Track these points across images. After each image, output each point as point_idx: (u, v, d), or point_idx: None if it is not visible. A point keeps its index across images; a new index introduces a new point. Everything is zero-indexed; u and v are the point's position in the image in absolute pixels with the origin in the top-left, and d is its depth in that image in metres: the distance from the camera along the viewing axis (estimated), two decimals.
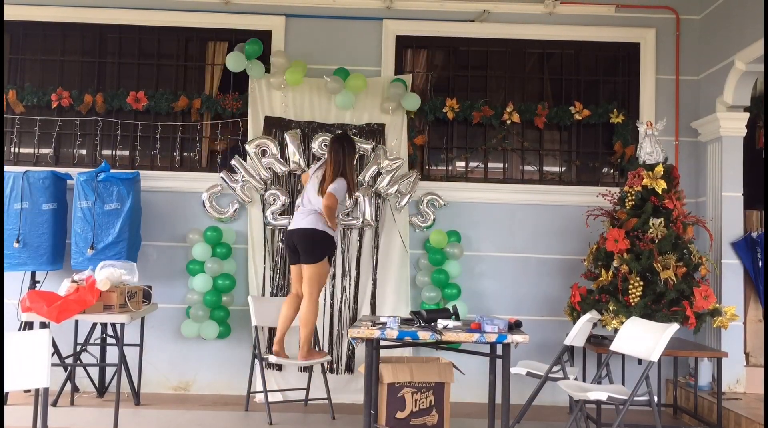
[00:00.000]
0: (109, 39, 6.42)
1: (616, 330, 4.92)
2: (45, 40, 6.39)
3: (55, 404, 5.34)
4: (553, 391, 5.51)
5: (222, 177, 6.05)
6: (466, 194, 6.23)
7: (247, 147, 6.01)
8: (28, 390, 5.31)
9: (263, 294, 5.96)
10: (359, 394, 5.24)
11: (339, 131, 5.87)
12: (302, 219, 5.20)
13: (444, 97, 6.27)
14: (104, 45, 6.42)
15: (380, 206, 6.08)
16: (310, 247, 5.15)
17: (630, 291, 5.04)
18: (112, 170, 5.79)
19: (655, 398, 4.34)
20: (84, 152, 6.30)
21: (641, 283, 5.04)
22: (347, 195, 5.41)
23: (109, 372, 5.79)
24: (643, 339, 4.22)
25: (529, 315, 5.96)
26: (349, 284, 6.03)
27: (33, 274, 5.76)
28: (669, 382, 5.90)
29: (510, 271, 6.19)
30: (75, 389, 5.67)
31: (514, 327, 4.16)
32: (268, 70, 6.16)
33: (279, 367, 5.87)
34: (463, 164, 6.41)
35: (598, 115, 6.30)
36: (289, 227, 5.31)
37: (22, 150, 6.28)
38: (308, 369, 5.73)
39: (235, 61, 6.01)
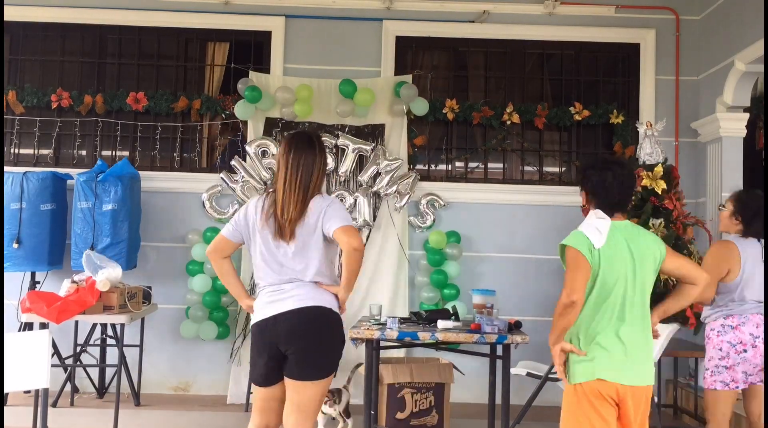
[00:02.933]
0: (108, 40, 6.42)
1: None
2: (45, 41, 6.39)
3: (55, 405, 5.34)
4: (553, 392, 5.49)
5: (222, 178, 6.05)
6: (466, 194, 6.23)
7: (247, 148, 6.01)
8: (28, 391, 5.30)
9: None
10: (359, 395, 5.23)
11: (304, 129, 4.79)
12: (294, 296, 2.95)
13: (444, 97, 6.27)
14: (104, 46, 6.42)
15: (378, 206, 6.08)
16: (323, 346, 2.96)
17: None
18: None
19: (656, 398, 4.35)
20: (84, 152, 6.29)
21: None
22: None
23: (109, 372, 5.78)
24: None
25: (529, 316, 5.94)
26: None
27: (33, 275, 5.76)
28: (669, 382, 5.89)
29: (510, 272, 6.19)
30: (75, 390, 5.67)
31: (514, 327, 4.16)
32: (267, 71, 6.19)
33: None
34: (462, 164, 6.41)
35: (597, 115, 6.30)
36: (266, 313, 2.98)
37: (22, 151, 6.28)
38: None
39: (243, 110, 6.00)
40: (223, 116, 6.20)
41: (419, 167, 6.26)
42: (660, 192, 5.20)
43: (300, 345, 2.92)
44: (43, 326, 4.58)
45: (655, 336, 2.92)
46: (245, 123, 6.15)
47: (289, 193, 2.96)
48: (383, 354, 5.04)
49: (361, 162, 6.07)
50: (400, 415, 4.67)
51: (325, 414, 4.58)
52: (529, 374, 4.83)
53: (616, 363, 2.72)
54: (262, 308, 3.00)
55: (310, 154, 3.01)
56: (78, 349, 5.66)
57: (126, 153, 6.30)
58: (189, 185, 6.16)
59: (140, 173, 5.95)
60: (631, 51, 6.39)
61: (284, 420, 3.02)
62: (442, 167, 6.41)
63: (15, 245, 5.55)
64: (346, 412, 4.66)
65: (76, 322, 5.52)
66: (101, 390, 5.76)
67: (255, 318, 3.04)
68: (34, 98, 6.18)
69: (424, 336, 4.08)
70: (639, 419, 2.76)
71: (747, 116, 5.85)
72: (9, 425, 4.78)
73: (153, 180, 6.09)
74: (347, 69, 6.18)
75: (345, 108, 6.02)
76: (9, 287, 5.66)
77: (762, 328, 3.60)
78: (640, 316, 2.79)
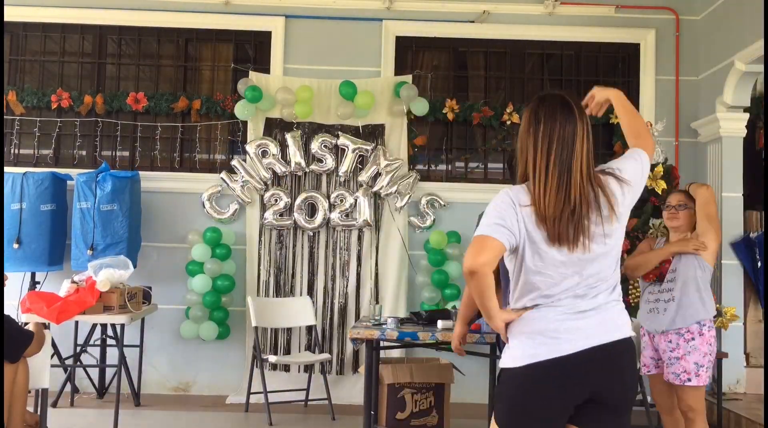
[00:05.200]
0: (108, 40, 6.43)
1: None
2: (45, 41, 6.39)
3: (55, 405, 5.33)
4: None
5: (222, 178, 6.05)
6: (466, 194, 6.22)
7: (247, 147, 6.02)
8: (29, 391, 5.30)
9: (258, 295, 5.95)
10: (359, 395, 5.23)
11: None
12: (603, 319, 2.13)
13: (444, 97, 6.27)
14: (104, 46, 6.42)
15: (379, 206, 6.08)
16: (632, 384, 2.20)
17: (630, 292, 5.03)
18: (111, 171, 5.79)
19: (649, 398, 4.37)
20: (84, 153, 6.29)
21: None
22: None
23: (109, 373, 5.78)
24: None
25: None
26: (349, 285, 6.03)
27: (33, 275, 5.76)
28: None
29: None
30: (75, 390, 5.67)
31: None
32: (267, 71, 6.19)
33: (279, 368, 5.87)
34: (462, 164, 6.41)
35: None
36: (570, 349, 2.05)
37: (22, 151, 6.27)
38: (308, 370, 5.73)
39: (243, 111, 6.00)
40: (223, 116, 6.20)
41: (419, 167, 6.26)
42: (660, 192, 5.19)
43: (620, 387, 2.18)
44: (43, 326, 4.58)
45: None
46: (245, 123, 6.15)
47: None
48: (383, 354, 5.05)
49: (361, 162, 6.07)
50: (400, 415, 4.67)
51: None
52: None
53: None
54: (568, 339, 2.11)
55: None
56: (78, 349, 5.66)
57: (126, 153, 6.31)
58: (189, 185, 6.15)
59: (140, 173, 5.95)
60: (631, 51, 6.39)
61: None
62: (442, 167, 6.40)
63: (15, 246, 5.55)
64: None
65: (76, 322, 5.52)
66: (101, 391, 5.76)
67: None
68: (34, 99, 6.18)
69: (424, 336, 4.08)
70: None
71: (747, 116, 5.85)
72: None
73: (153, 180, 6.08)
74: (347, 69, 6.18)
75: (345, 110, 6.02)
76: (9, 288, 5.64)
77: None
78: None
